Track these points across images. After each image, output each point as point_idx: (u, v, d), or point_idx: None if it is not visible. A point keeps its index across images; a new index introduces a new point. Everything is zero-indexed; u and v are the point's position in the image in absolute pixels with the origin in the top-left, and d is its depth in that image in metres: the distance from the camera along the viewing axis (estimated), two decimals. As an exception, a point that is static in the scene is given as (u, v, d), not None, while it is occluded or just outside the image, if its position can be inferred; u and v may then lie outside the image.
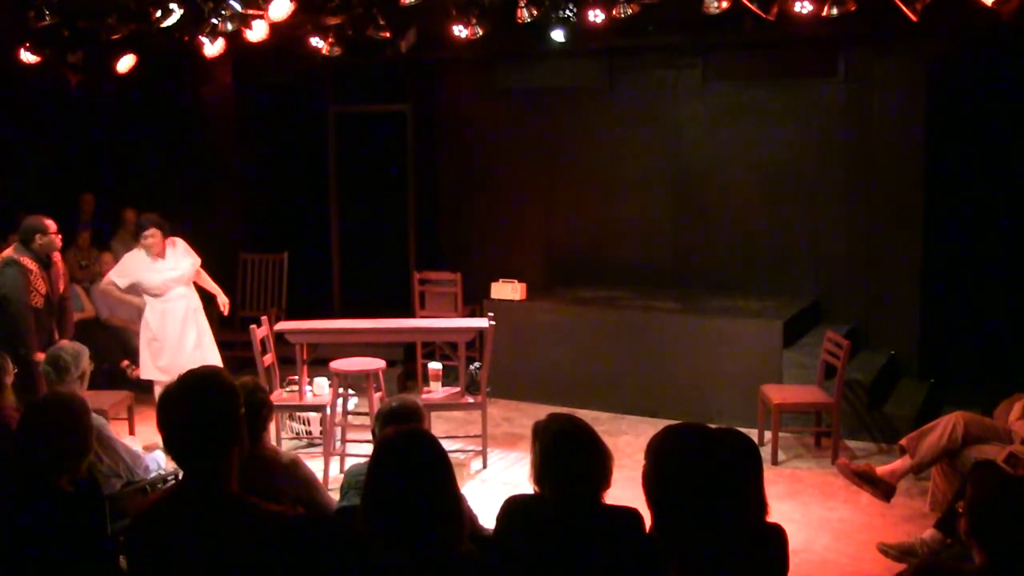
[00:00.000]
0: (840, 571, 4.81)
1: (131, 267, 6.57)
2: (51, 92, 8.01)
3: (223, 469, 2.44)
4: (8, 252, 6.18)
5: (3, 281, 6.02)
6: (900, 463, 5.30)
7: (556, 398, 7.52)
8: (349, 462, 5.83)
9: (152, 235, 6.48)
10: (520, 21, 6.38)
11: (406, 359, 8.40)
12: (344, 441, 6.22)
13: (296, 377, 6.48)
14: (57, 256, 6.34)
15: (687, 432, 2.80)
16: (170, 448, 2.47)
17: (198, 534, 2.37)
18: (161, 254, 6.55)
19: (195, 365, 6.10)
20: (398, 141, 9.79)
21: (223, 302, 6.86)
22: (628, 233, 9.04)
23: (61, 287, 6.38)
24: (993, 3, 5.16)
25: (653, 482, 2.75)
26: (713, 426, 2.93)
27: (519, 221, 9.49)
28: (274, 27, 6.40)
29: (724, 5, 5.88)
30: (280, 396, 6.38)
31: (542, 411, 3.38)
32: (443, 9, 6.72)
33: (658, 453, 2.76)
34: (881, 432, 6.77)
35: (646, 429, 6.96)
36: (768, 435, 6.45)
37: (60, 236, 6.29)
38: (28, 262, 6.06)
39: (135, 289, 6.62)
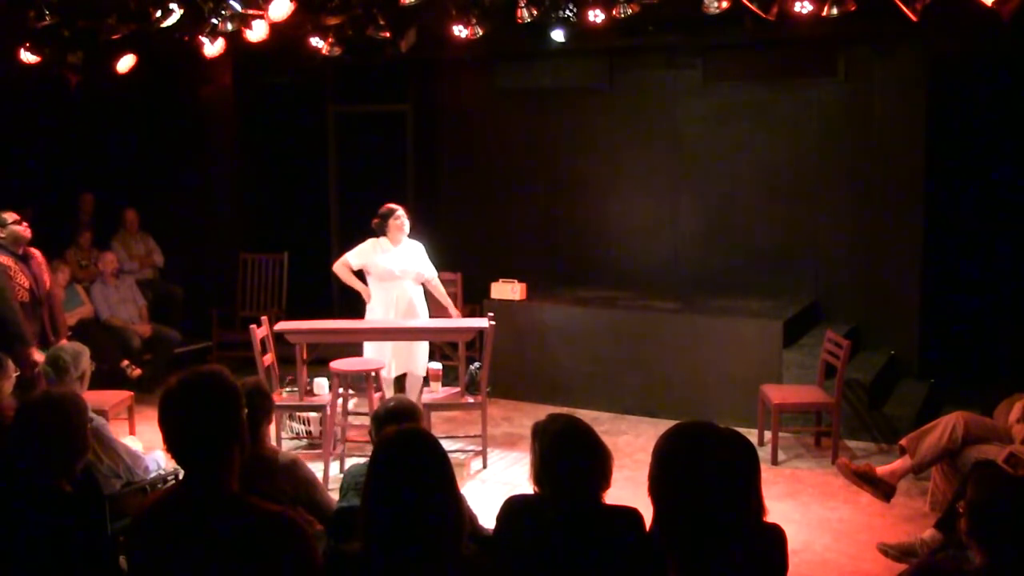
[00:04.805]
0: (840, 571, 4.81)
1: (366, 251, 6.82)
2: (51, 92, 8.00)
3: (223, 469, 2.44)
4: None
5: None
6: (900, 463, 5.29)
7: (556, 398, 7.53)
8: (349, 462, 5.83)
9: (401, 218, 6.77)
10: (520, 21, 6.39)
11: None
12: (344, 441, 6.23)
13: (296, 377, 6.49)
14: (36, 251, 6.24)
15: (692, 431, 2.79)
16: (171, 448, 2.47)
17: (198, 534, 2.37)
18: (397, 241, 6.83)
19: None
20: (398, 141, 9.80)
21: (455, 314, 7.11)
22: (628, 233, 9.04)
23: (47, 281, 6.32)
24: (993, 3, 5.16)
25: (656, 480, 2.75)
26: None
27: (519, 221, 9.48)
28: (274, 27, 6.40)
29: (724, 5, 5.88)
30: (280, 396, 6.39)
31: (542, 411, 3.38)
32: (443, 9, 6.72)
33: (663, 451, 2.76)
34: (881, 432, 6.76)
35: (646, 429, 6.97)
36: (768, 435, 6.45)
37: (26, 225, 6.16)
38: (2, 258, 5.99)
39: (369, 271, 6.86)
